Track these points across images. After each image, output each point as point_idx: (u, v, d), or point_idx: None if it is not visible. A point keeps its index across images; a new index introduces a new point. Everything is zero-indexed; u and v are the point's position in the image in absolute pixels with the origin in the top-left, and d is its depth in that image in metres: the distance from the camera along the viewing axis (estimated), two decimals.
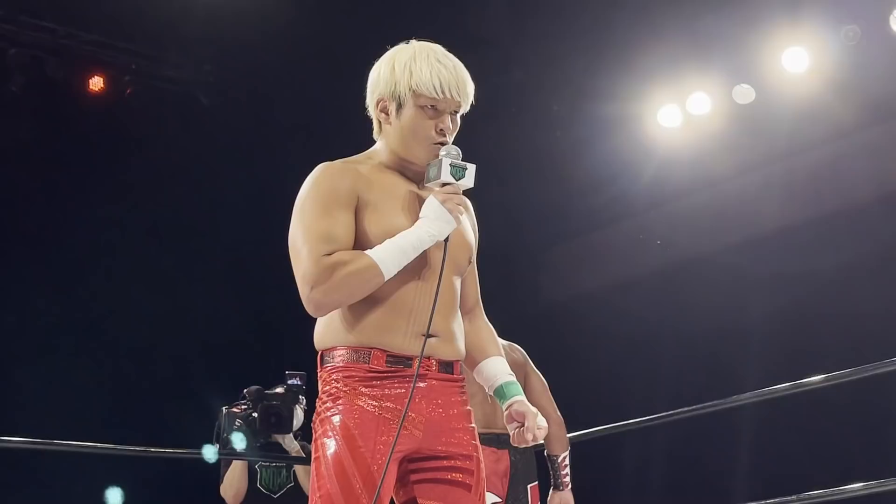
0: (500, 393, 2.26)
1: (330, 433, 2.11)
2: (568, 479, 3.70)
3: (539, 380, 3.79)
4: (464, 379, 2.24)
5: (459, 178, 2.16)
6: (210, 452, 5.77)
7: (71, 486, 6.22)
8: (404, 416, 2.08)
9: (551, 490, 3.74)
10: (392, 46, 2.26)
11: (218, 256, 6.64)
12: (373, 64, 2.27)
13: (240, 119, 6.60)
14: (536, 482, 3.72)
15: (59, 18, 6.33)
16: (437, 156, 2.16)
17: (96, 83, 6.53)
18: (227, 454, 4.17)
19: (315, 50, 6.33)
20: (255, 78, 6.59)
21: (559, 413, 3.75)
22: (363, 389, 2.11)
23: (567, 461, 3.72)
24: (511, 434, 2.23)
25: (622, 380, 6.27)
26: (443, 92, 2.16)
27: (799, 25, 5.53)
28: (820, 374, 3.73)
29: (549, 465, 3.73)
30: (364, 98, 2.28)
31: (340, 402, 2.12)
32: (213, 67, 6.80)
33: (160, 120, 6.61)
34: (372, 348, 2.12)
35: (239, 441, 4.09)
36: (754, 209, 6.02)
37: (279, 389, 4.08)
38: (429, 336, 2.12)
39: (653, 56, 5.94)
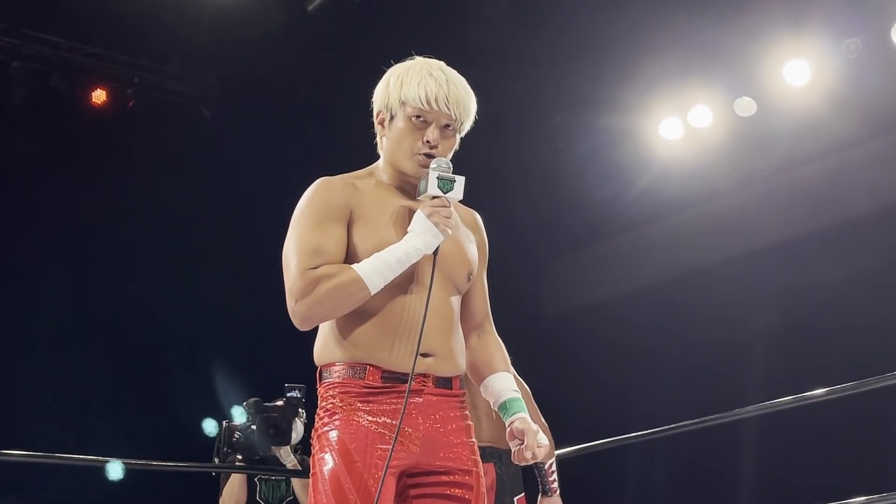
0: (504, 409, 2.26)
1: (327, 449, 2.11)
2: (556, 484, 3.68)
3: (521, 386, 3.77)
4: (464, 393, 2.23)
5: (447, 191, 2.16)
6: (210, 426, 5.77)
7: (71, 498, 6.21)
8: (398, 430, 2.08)
9: (539, 496, 3.72)
10: (395, 61, 2.27)
11: (220, 267, 6.64)
12: (374, 77, 2.29)
13: (242, 132, 6.61)
14: (523, 493, 3.70)
15: (61, 31, 6.35)
16: (427, 168, 2.17)
17: (99, 96, 6.54)
18: (227, 467, 4.17)
19: (317, 63, 6.35)
20: (257, 91, 6.60)
21: (543, 420, 3.73)
22: (359, 405, 2.12)
23: (554, 467, 3.69)
24: (512, 452, 2.23)
25: (624, 392, 6.26)
26: (429, 103, 2.17)
27: (800, 38, 5.54)
28: (822, 386, 3.72)
29: (536, 472, 3.71)
30: (365, 113, 2.30)
31: (337, 417, 2.12)
32: (215, 80, 6.82)
33: (163, 133, 6.62)
34: (367, 364, 2.13)
35: (238, 415, 4.10)
36: (755, 222, 6.02)
37: (279, 402, 4.08)
38: (423, 355, 2.12)
39: (655, 68, 5.95)
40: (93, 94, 6.54)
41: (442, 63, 2.24)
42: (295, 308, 2.11)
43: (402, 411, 2.08)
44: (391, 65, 2.27)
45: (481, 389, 2.31)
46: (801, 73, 5.57)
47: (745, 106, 5.84)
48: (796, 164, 5.84)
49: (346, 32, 6.21)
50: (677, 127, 6.13)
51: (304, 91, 6.50)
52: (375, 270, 2.10)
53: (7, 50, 6.25)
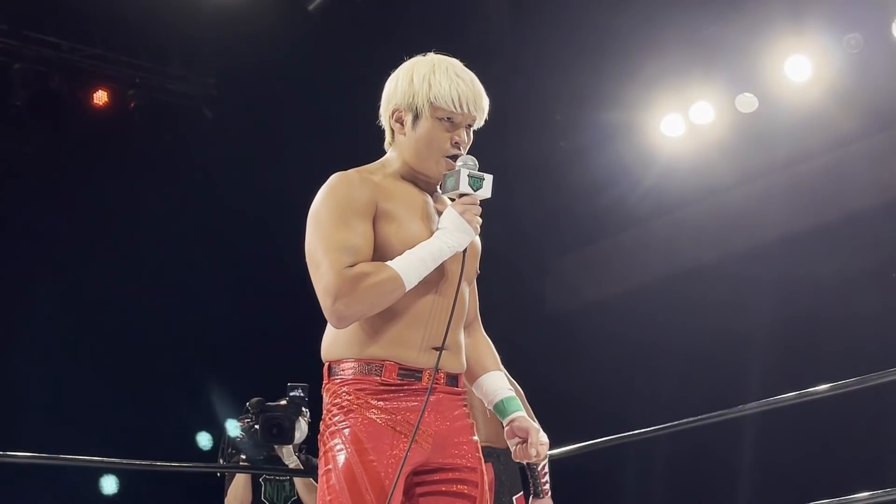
0: (501, 408, 2.27)
1: (341, 445, 2.10)
2: (548, 486, 3.68)
3: (514, 386, 3.77)
4: (466, 392, 2.24)
5: (477, 189, 2.16)
6: (205, 440, 5.79)
7: (75, 499, 6.21)
8: (416, 428, 2.08)
9: (531, 498, 3.72)
10: (396, 58, 2.26)
11: (222, 268, 6.64)
12: (375, 76, 2.28)
13: (244, 132, 6.61)
14: (521, 492, 3.71)
15: (62, 33, 6.35)
16: (454, 167, 2.17)
17: (100, 97, 6.55)
18: (232, 467, 4.17)
19: (319, 63, 6.35)
20: (258, 91, 6.60)
21: (537, 421, 3.73)
22: (374, 402, 2.11)
23: (546, 469, 3.69)
24: (513, 450, 2.23)
25: (626, 389, 6.26)
26: (460, 106, 2.17)
27: (801, 34, 5.54)
28: (824, 382, 3.72)
29: (529, 473, 3.71)
30: (372, 109, 2.28)
31: (352, 414, 2.11)
32: (216, 81, 6.82)
33: (164, 133, 6.63)
34: (384, 361, 2.12)
35: (233, 428, 4.11)
36: (757, 217, 6.02)
37: (282, 402, 4.08)
38: (442, 349, 2.12)
39: (656, 65, 5.95)
40: (94, 95, 6.54)
41: (459, 62, 2.23)
42: (333, 307, 2.08)
43: (422, 408, 2.08)
44: (392, 63, 2.26)
45: (473, 388, 2.32)
46: (802, 68, 5.57)
47: (747, 102, 5.84)
48: (798, 159, 5.84)
49: (346, 32, 6.21)
50: (679, 124, 6.13)
51: (305, 91, 6.50)
52: (411, 267, 2.09)
53: (8, 52, 6.25)
